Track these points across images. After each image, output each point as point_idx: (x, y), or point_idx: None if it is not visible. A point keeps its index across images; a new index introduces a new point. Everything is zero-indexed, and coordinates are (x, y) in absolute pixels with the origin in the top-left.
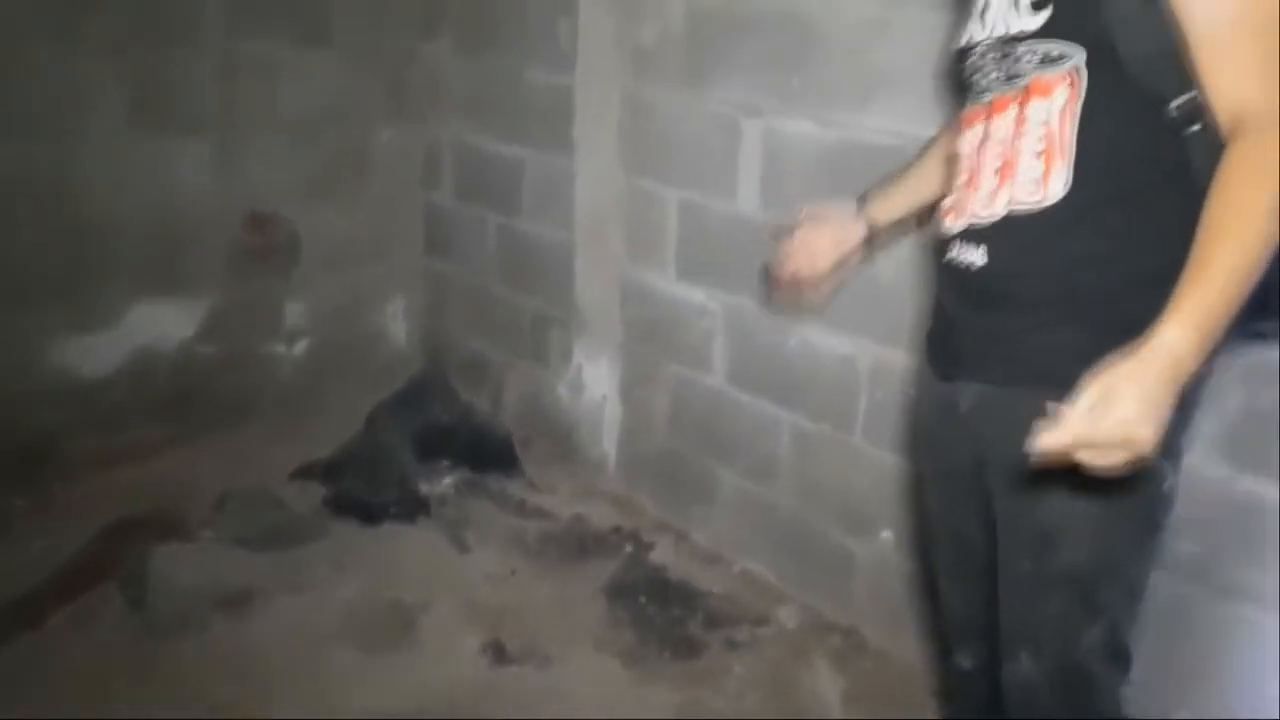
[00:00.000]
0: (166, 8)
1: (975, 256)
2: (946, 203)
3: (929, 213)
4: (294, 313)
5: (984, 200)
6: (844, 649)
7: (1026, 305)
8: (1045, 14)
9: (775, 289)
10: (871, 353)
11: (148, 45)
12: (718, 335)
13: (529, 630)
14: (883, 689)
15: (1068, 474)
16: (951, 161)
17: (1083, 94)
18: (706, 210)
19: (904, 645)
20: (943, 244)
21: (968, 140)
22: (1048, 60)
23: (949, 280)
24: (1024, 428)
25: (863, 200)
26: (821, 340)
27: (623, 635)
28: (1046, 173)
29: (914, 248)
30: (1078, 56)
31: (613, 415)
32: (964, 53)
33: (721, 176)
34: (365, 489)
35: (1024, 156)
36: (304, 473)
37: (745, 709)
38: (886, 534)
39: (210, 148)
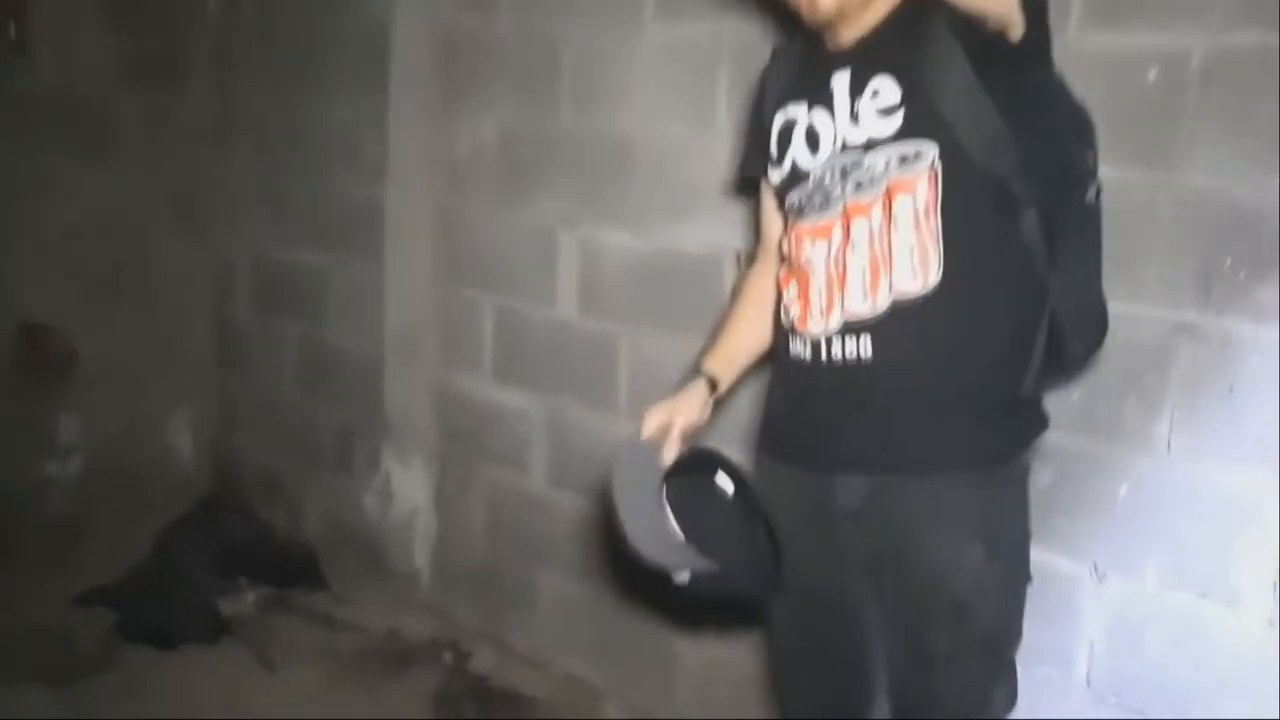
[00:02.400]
0: None
1: (859, 349)
2: (794, 312)
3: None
4: (69, 429)
5: (859, 296)
6: None
7: (916, 393)
8: (898, 117)
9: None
10: None
11: None
12: (536, 437)
13: None
14: None
15: (977, 545)
16: (794, 274)
17: (940, 187)
18: (524, 316)
19: None
20: (804, 346)
21: (818, 250)
22: (905, 161)
23: (822, 379)
24: (929, 515)
25: (701, 371)
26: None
27: None
28: (924, 262)
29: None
30: (931, 153)
31: (426, 525)
32: (792, 180)
33: (540, 284)
34: (158, 612)
35: (898, 250)
36: (88, 599)
37: None
38: (712, 627)
39: None
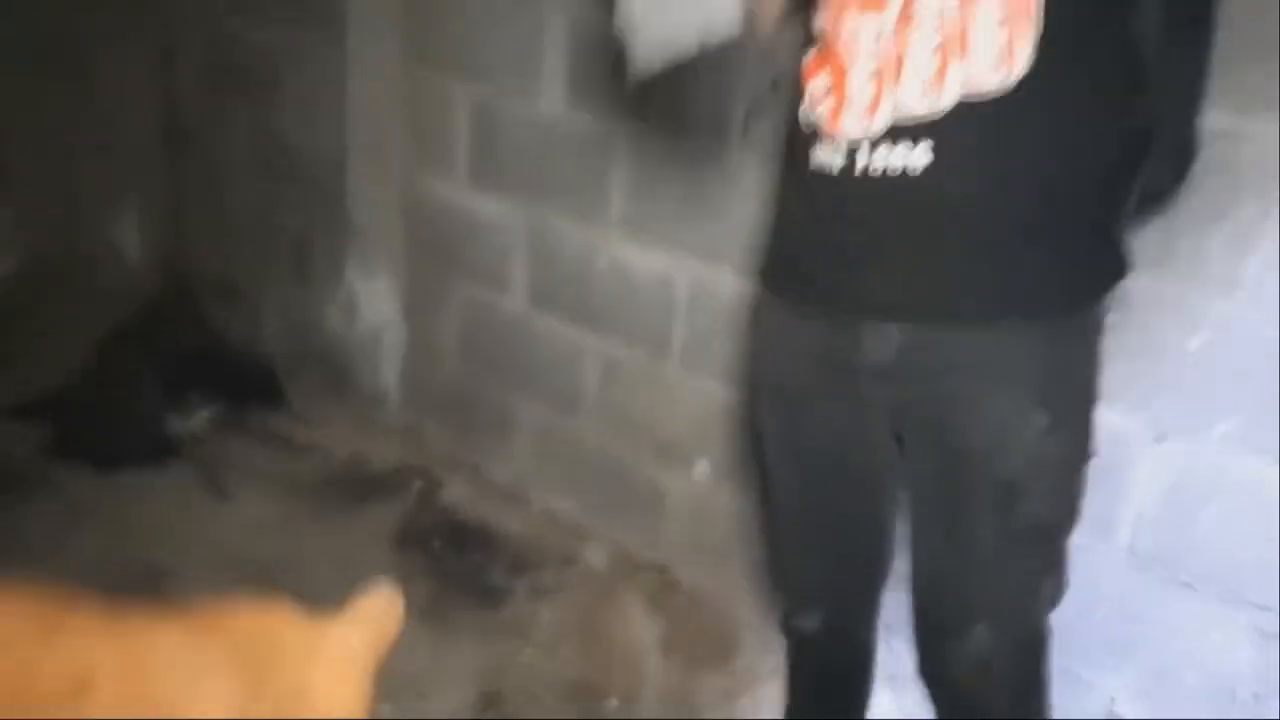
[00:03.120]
0: None
1: (914, 159)
2: (822, 109)
3: None
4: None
5: (920, 88)
6: (657, 589)
7: (979, 218)
8: None
9: None
10: (691, 272)
11: None
12: (517, 252)
13: (307, 588)
14: (700, 631)
15: (1038, 411)
16: (827, 58)
17: None
18: (504, 109)
19: (720, 584)
20: (833, 153)
21: (865, 25)
22: None
23: (854, 197)
24: (982, 373)
25: None
26: (635, 258)
27: (417, 588)
28: (1011, 45)
29: (741, 151)
30: None
31: (394, 342)
32: None
33: (522, 71)
34: (99, 429)
35: (980, 29)
36: (20, 412)
37: (557, 662)
38: (703, 466)
39: None
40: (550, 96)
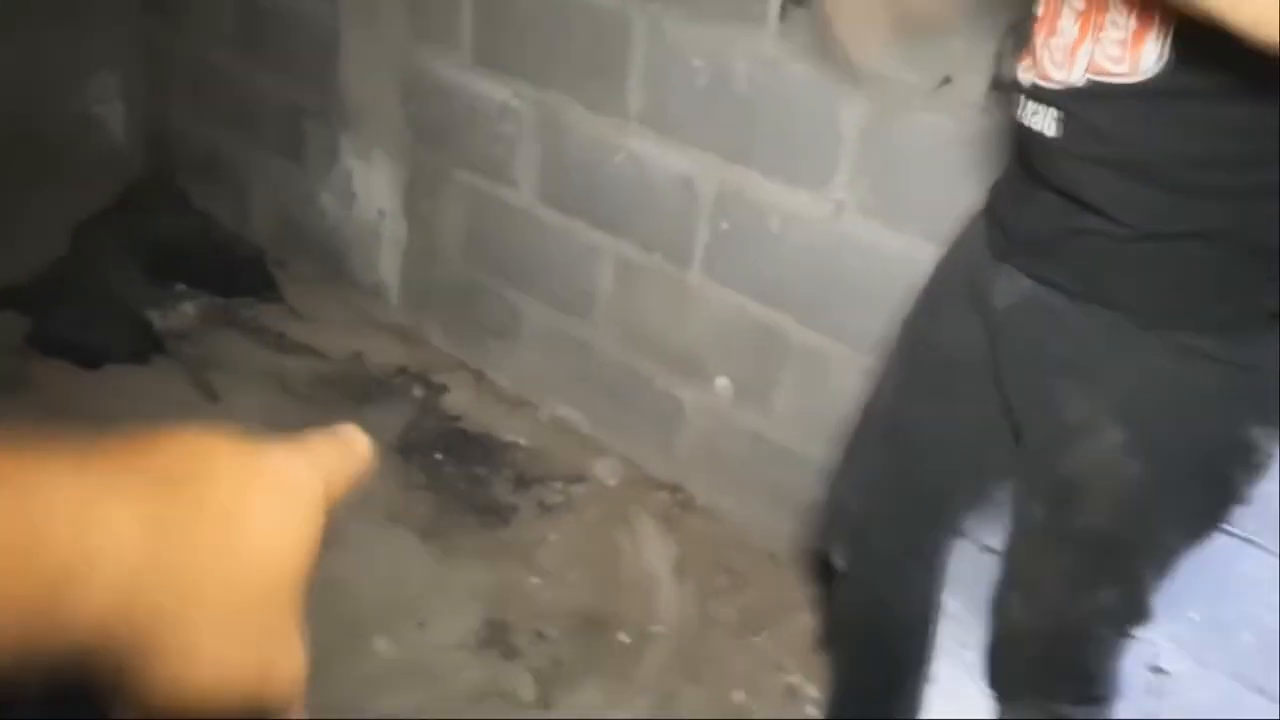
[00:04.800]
0: None
1: (1045, 124)
2: (1018, 37)
3: None
4: None
5: (1058, 55)
6: (670, 508)
7: (1107, 204)
8: None
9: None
10: (717, 173)
11: None
12: (525, 142)
13: None
14: (716, 553)
15: (1111, 429)
16: None
17: None
18: None
19: (736, 504)
20: (1015, 90)
21: None
22: None
23: (1019, 137)
24: (1079, 349)
25: None
26: (654, 154)
27: (418, 501)
28: (1140, 34)
29: (777, 40)
30: None
31: (393, 232)
32: None
33: None
34: (78, 322)
35: (1112, 6)
36: None
37: (565, 586)
38: (722, 381)
39: None
40: None
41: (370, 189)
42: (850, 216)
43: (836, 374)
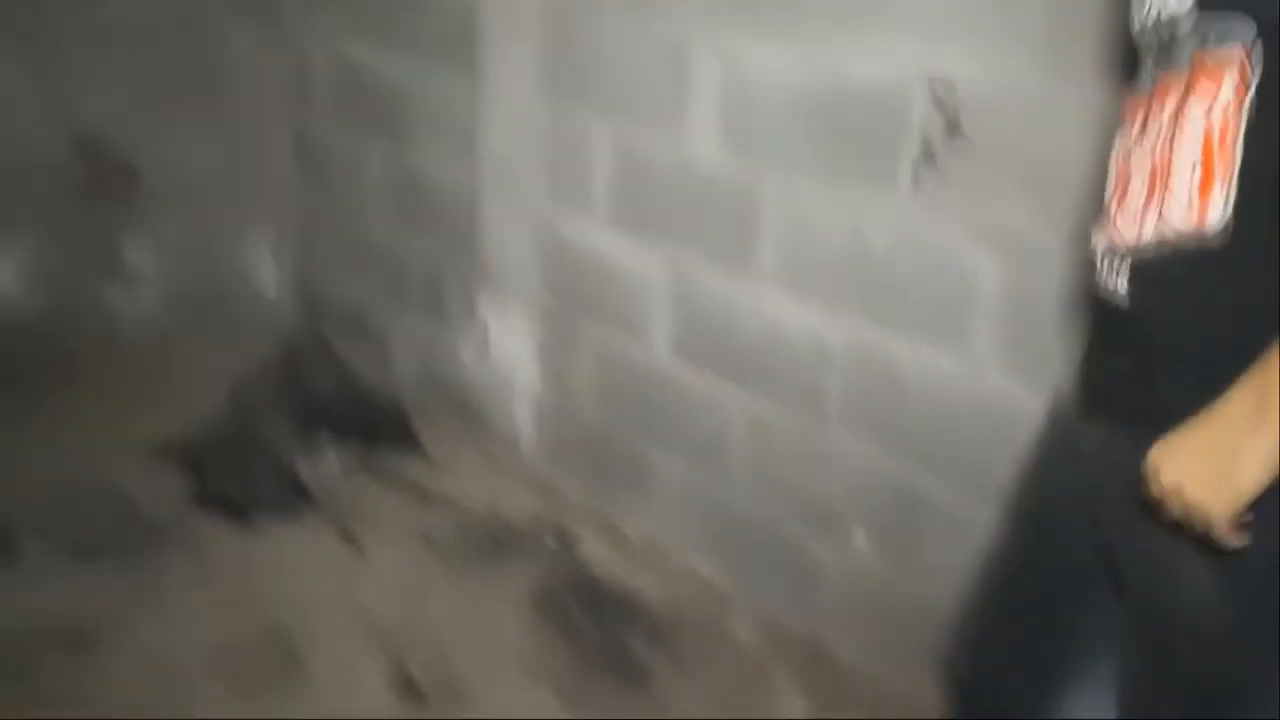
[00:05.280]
0: None
1: (1119, 284)
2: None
3: None
4: (137, 256)
5: (1131, 218)
6: (809, 665)
7: (1174, 354)
8: None
9: None
10: (851, 330)
11: None
12: (657, 299)
13: (443, 655)
14: (855, 711)
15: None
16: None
17: (1254, 86)
18: (647, 150)
19: (875, 660)
20: (1092, 253)
21: (1123, 137)
22: (1208, 41)
23: (1095, 300)
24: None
25: None
26: (786, 311)
27: (554, 657)
28: (1204, 190)
29: (910, 200)
30: (1245, 34)
31: (528, 385)
32: (1134, 34)
33: (667, 111)
34: (234, 477)
35: (1179, 163)
36: (160, 456)
37: None
38: (859, 534)
39: (21, 55)
40: (697, 137)
41: (507, 343)
42: (987, 374)
43: (975, 530)
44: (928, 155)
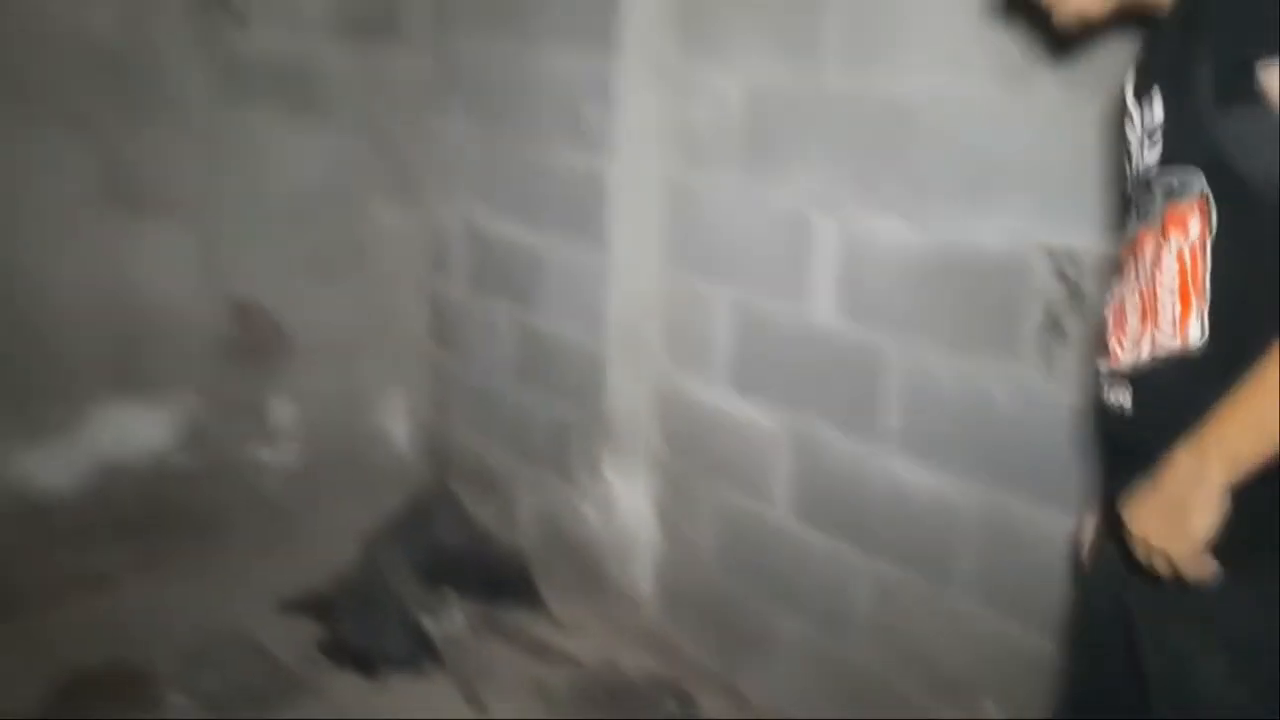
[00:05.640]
0: (143, 74)
1: (1124, 401)
2: (1100, 340)
3: None
4: (281, 413)
5: (1130, 343)
6: None
7: (1168, 447)
8: (1160, 143)
9: None
10: (979, 494)
11: (120, 115)
12: (780, 460)
13: None
14: None
15: (1226, 646)
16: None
17: (1214, 226)
18: (768, 314)
19: None
20: (1098, 383)
21: (1120, 274)
22: (1172, 192)
23: (1103, 421)
24: (1183, 587)
25: None
26: (911, 474)
27: None
28: (1184, 315)
29: (1038, 368)
30: (1199, 183)
31: (649, 542)
32: (1125, 190)
33: (788, 277)
34: (364, 631)
35: (1162, 295)
36: (294, 608)
37: None
38: (989, 706)
39: (186, 230)
40: (819, 304)
41: (629, 501)
42: None
43: None
44: (1051, 322)
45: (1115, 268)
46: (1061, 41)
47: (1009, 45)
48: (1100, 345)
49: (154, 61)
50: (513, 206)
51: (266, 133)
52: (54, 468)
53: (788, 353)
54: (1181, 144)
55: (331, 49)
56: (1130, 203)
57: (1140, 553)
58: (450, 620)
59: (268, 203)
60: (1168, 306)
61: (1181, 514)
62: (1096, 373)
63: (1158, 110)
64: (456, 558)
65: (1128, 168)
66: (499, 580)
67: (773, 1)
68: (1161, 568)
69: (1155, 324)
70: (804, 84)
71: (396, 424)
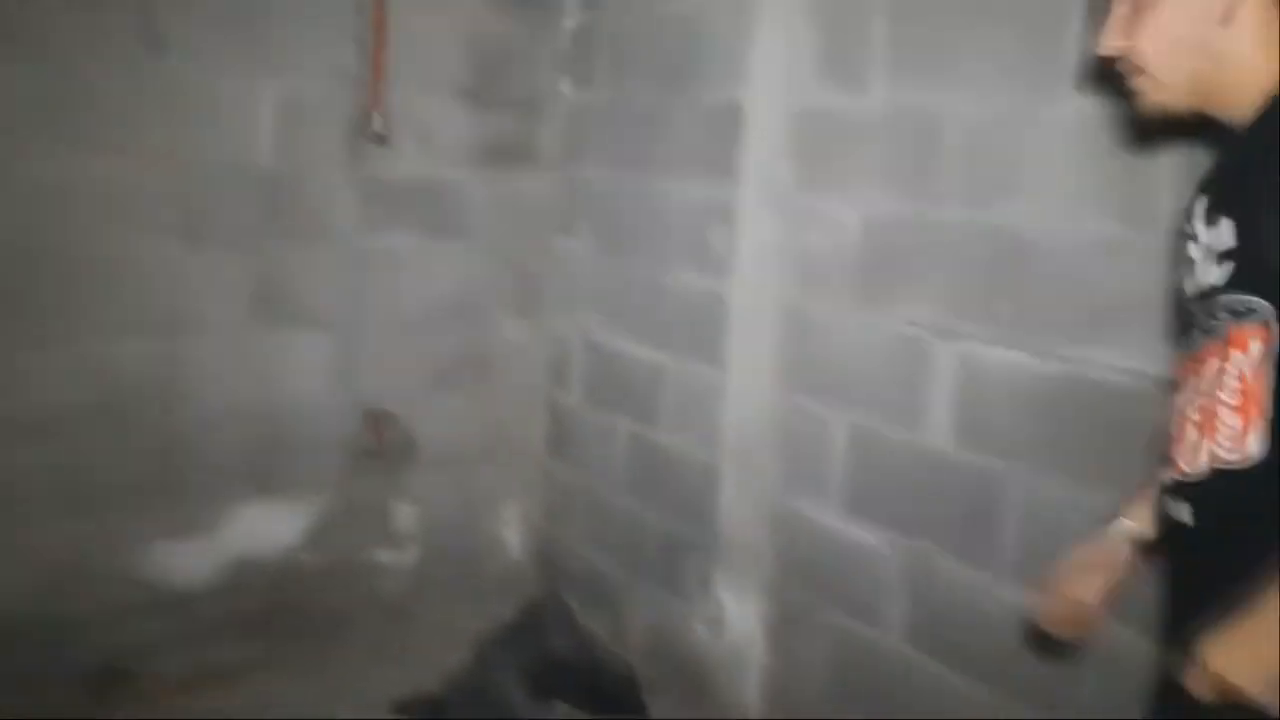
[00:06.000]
0: (295, 197)
1: (1183, 513)
2: (1163, 454)
3: None
4: (404, 517)
5: (1189, 454)
6: None
7: (1236, 569)
8: (1229, 267)
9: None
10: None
11: (276, 238)
12: (893, 586)
13: None
14: None
15: None
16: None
17: (1276, 349)
18: (884, 439)
19: None
20: (1160, 498)
21: (1180, 392)
22: (1238, 314)
23: (1165, 535)
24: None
25: (1122, 517)
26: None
27: None
28: (1244, 429)
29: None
30: (1264, 310)
31: (758, 661)
32: (1183, 302)
33: (904, 403)
34: None
35: (1222, 409)
36: (406, 708)
37: None
38: None
39: (328, 341)
40: (935, 429)
41: (739, 619)
42: None
43: None
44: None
45: (1177, 382)
46: (1177, 186)
47: (1129, 183)
48: (1163, 459)
49: (305, 186)
50: (632, 324)
51: (404, 251)
52: (193, 563)
53: (903, 477)
54: (1252, 276)
55: (469, 174)
56: (1190, 316)
57: (1212, 690)
58: None
59: (402, 316)
60: (1228, 420)
61: (1270, 651)
62: (1160, 486)
63: (1225, 234)
64: (565, 666)
65: (1187, 281)
66: (607, 691)
67: (888, 139)
68: (1235, 699)
69: (1214, 438)
70: (922, 216)
71: (511, 531)
